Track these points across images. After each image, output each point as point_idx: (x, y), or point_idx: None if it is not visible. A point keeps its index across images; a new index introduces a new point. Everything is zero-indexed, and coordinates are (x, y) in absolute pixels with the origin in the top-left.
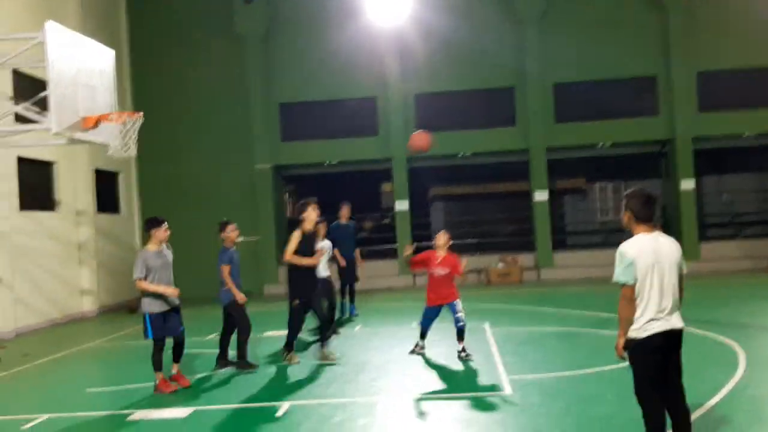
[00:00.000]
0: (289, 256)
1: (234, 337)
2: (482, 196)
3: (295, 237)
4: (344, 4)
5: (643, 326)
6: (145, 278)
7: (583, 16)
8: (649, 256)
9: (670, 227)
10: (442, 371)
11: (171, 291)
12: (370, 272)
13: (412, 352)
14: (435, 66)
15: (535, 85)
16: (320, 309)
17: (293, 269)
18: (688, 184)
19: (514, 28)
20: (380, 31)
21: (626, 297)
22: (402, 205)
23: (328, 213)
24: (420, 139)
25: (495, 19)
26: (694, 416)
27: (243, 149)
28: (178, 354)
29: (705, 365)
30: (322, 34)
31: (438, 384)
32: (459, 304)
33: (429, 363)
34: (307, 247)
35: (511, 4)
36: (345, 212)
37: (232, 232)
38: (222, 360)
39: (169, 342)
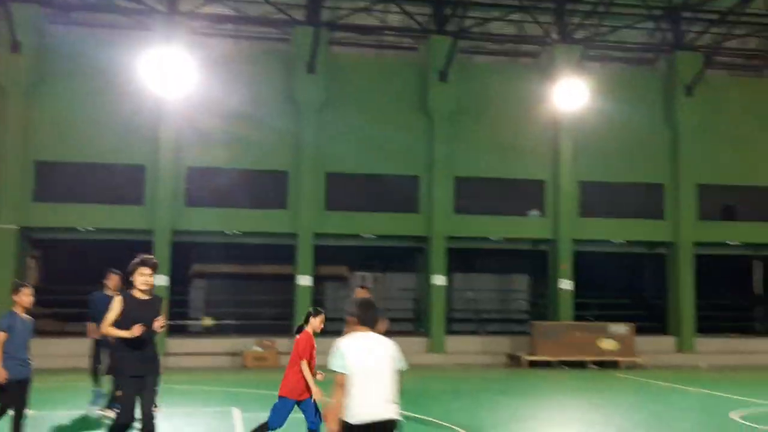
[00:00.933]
0: (104, 328)
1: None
2: (246, 276)
3: (115, 302)
4: (122, 67)
5: (352, 413)
6: None
7: (359, 112)
8: (362, 351)
9: (421, 320)
10: None
11: None
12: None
13: None
14: (211, 141)
15: (309, 171)
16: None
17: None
18: (439, 280)
19: (294, 114)
20: (158, 100)
21: (339, 384)
22: (161, 280)
23: (84, 284)
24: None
25: (276, 103)
26: None
27: None
28: None
29: None
30: (95, 94)
31: None
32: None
33: None
34: (135, 316)
35: (292, 91)
36: (113, 282)
37: (25, 297)
38: None
39: None
